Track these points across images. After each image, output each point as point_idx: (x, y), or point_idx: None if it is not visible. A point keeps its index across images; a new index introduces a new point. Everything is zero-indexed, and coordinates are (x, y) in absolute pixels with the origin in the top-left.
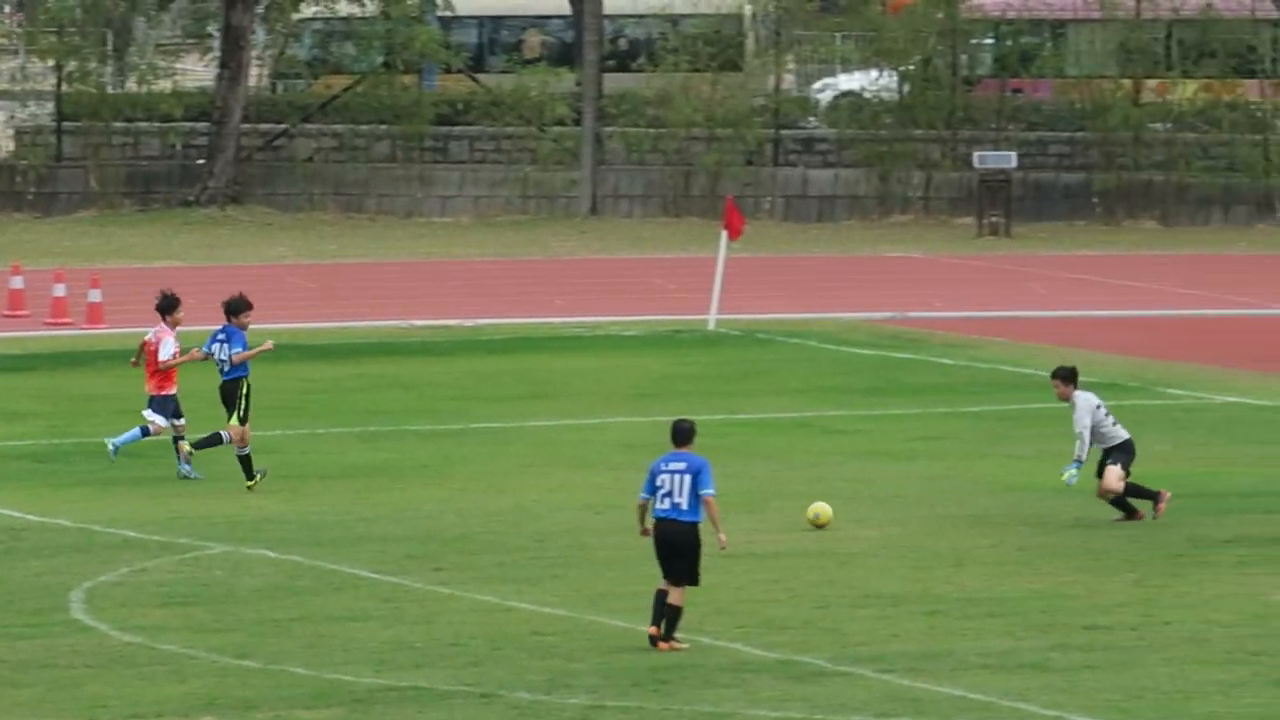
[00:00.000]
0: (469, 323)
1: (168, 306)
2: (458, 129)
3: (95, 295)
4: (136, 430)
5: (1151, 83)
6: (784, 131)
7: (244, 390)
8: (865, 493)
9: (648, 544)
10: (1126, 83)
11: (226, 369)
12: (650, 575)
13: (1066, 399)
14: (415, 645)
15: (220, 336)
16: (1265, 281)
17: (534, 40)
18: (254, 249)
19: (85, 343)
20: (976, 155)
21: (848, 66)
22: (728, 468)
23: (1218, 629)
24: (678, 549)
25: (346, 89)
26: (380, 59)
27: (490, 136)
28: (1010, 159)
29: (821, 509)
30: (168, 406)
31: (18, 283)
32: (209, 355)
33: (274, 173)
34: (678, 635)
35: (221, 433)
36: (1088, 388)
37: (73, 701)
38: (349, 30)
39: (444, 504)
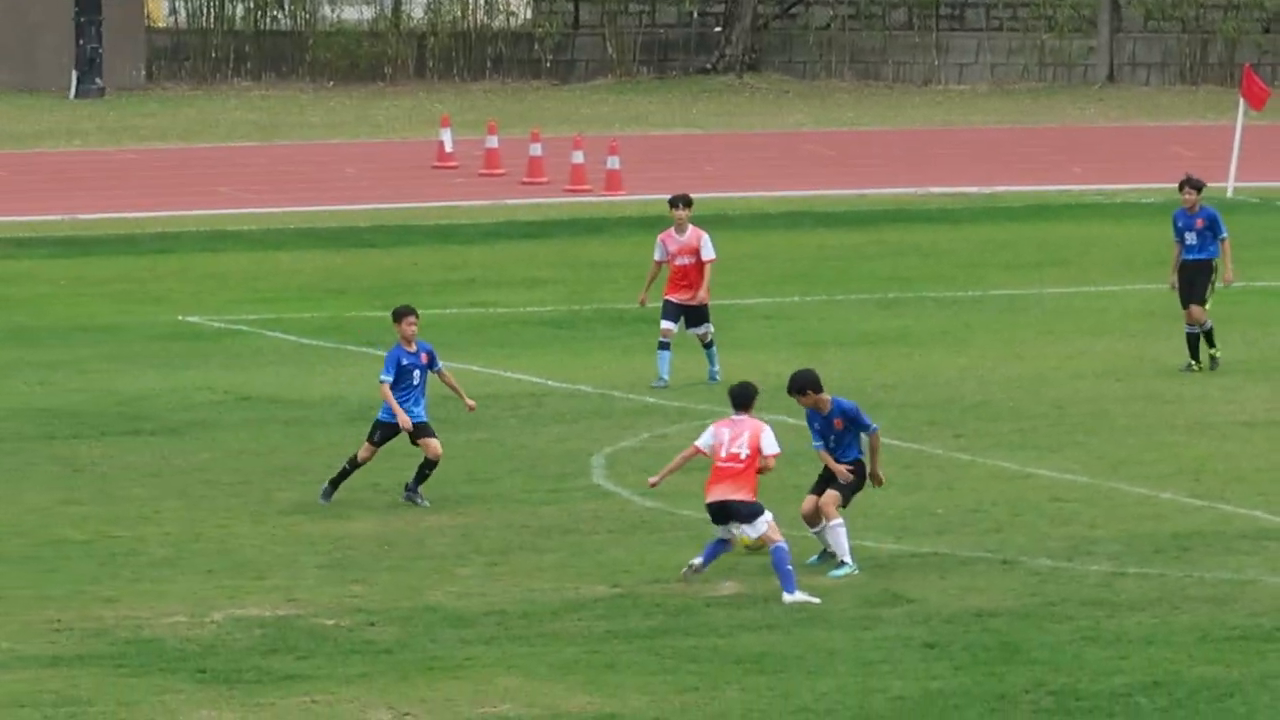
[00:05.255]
0: (985, 190)
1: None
2: None
3: (614, 162)
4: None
5: None
6: None
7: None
8: None
9: (1168, 411)
10: None
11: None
12: (1170, 443)
13: None
14: (936, 512)
15: None
16: None
17: None
18: (771, 117)
19: (604, 210)
20: None
21: None
22: (1247, 335)
23: None
24: None
25: None
26: None
27: (1007, 4)
28: None
29: None
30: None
31: (536, 150)
32: None
33: (790, 41)
34: None
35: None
36: None
37: (595, 566)
38: None
39: (963, 371)
